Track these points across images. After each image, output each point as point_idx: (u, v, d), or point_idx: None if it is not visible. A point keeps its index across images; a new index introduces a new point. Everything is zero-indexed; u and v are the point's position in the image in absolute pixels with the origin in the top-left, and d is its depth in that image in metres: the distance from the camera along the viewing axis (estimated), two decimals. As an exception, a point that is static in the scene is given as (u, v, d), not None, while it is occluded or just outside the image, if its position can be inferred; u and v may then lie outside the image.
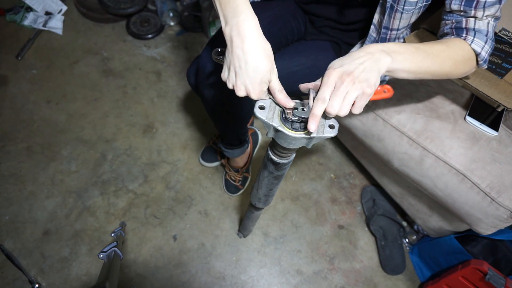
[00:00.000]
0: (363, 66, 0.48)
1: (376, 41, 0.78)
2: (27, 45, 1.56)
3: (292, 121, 0.50)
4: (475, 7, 0.61)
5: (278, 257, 1.16)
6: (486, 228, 0.87)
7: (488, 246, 0.99)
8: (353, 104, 0.49)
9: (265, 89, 0.52)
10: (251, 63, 0.50)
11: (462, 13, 0.63)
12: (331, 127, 0.50)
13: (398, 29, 0.73)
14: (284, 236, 1.20)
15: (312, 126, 0.47)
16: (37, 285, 0.64)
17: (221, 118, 0.94)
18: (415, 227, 1.24)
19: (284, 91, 0.53)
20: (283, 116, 0.51)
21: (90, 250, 1.11)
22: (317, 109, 0.47)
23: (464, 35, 0.62)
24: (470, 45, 0.61)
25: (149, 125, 1.40)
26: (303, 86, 0.53)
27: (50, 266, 1.08)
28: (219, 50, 0.56)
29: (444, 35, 0.67)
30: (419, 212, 1.12)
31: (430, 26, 0.90)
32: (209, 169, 1.32)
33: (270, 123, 0.50)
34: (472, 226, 0.90)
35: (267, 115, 0.51)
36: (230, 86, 0.54)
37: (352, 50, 0.85)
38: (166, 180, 1.28)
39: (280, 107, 0.52)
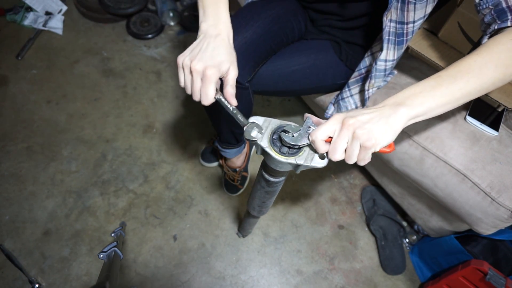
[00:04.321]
0: (369, 116, 0.44)
1: (390, 41, 0.74)
2: (27, 45, 1.56)
3: (281, 145, 0.48)
4: None
5: (278, 257, 1.16)
6: (486, 228, 0.87)
7: (488, 246, 0.99)
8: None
9: (217, 78, 0.53)
10: (216, 49, 0.54)
11: None
12: (321, 157, 0.48)
13: (414, 22, 0.70)
14: (284, 236, 1.20)
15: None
16: (37, 285, 0.64)
17: (219, 117, 0.94)
18: (415, 227, 1.24)
19: (234, 89, 0.55)
20: (273, 137, 0.49)
21: (90, 250, 1.11)
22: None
23: (509, 17, 0.48)
24: None
25: (149, 125, 1.40)
26: (306, 115, 0.51)
27: (50, 266, 1.08)
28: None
29: (487, 28, 0.54)
30: (419, 212, 1.12)
31: (430, 26, 0.90)
32: (209, 169, 1.32)
33: (259, 142, 0.49)
34: (472, 226, 0.90)
35: (257, 134, 0.50)
36: (187, 61, 0.53)
37: (363, 66, 0.85)
38: (166, 180, 1.28)
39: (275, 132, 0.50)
